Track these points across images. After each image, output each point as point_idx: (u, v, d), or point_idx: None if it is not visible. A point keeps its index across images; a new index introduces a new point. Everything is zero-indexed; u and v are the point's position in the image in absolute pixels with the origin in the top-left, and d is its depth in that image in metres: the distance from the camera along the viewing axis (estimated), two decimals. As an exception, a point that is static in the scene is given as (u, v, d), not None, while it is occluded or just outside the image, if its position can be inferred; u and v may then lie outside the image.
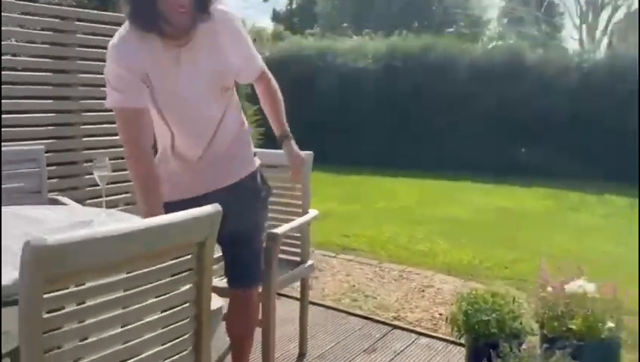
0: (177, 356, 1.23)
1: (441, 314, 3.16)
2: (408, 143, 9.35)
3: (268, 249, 2.06)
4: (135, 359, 1.14)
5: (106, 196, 3.07)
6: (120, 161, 3.66)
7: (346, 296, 3.48)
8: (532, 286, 3.12)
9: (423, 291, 3.60)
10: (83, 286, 1.00)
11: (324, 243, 4.58)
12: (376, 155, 9.28)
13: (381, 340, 2.86)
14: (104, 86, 3.96)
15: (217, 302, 1.70)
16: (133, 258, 1.07)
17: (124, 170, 3.86)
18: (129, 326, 1.13)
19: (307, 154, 2.29)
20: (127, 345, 1.13)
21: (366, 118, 9.55)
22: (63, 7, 3.85)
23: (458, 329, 2.33)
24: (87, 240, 0.96)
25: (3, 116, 3.23)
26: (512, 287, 3.56)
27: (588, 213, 6.39)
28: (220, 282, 2.11)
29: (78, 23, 3.56)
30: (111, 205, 3.52)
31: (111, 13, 3.98)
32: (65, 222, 1.91)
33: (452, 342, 2.76)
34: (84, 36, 3.60)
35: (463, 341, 2.47)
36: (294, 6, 27.92)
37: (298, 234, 2.51)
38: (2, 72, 3.23)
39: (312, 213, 2.49)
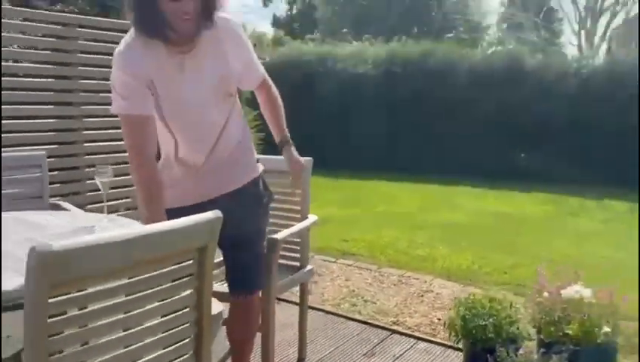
0: (178, 360, 1.25)
1: (439, 319, 3.18)
2: (408, 148, 9.39)
3: (267, 254, 2.08)
4: (136, 363, 1.16)
5: (107, 201, 3.09)
6: (121, 166, 3.69)
7: (346, 301, 3.50)
8: (531, 291, 3.13)
9: (422, 296, 3.62)
10: (87, 291, 1.03)
11: (323, 248, 4.59)
12: (375, 160, 9.30)
13: (380, 345, 2.87)
14: (106, 92, 4.00)
15: (218, 307, 1.72)
16: (135, 263, 1.10)
17: (125, 175, 3.90)
18: (130, 331, 1.15)
19: (307, 160, 2.31)
20: (128, 349, 1.15)
21: (366, 123, 9.58)
22: (64, 14, 3.88)
23: (456, 333, 2.35)
24: (91, 246, 0.98)
25: (5, 122, 3.26)
26: (510, 292, 3.60)
27: (587, 218, 6.41)
28: (221, 287, 2.13)
29: (79, 29, 3.59)
30: (112, 210, 3.54)
31: (112, 20, 4.01)
32: (67, 227, 1.93)
33: (450, 347, 2.77)
34: (85, 42, 3.63)
35: (460, 345, 2.49)
36: (294, 11, 28.01)
37: (298, 240, 2.53)
38: (5, 78, 3.26)
39: (312, 218, 2.52)
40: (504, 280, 3.97)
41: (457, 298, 2.66)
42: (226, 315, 2.02)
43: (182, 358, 1.26)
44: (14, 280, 1.34)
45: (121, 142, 3.98)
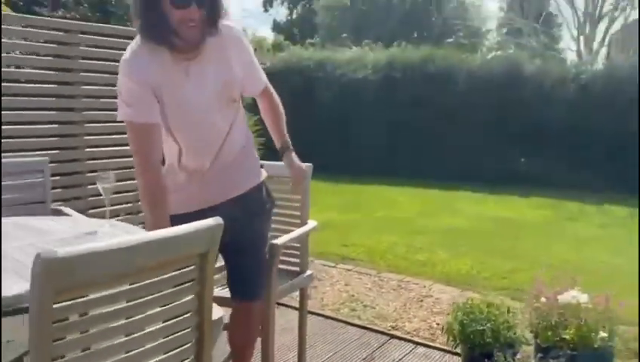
0: (179, 365, 1.27)
1: (438, 324, 3.20)
2: (408, 153, 9.42)
3: (268, 259, 2.10)
4: (138, 367, 1.17)
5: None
6: (121, 171, 3.71)
7: (345, 306, 3.52)
8: (529, 296, 3.15)
9: (421, 301, 3.64)
10: (90, 297, 1.05)
11: (323, 252, 4.61)
12: (375, 165, 9.33)
13: (379, 349, 2.89)
14: (107, 98, 4.04)
15: (218, 312, 1.74)
16: (138, 269, 1.12)
17: (126, 180, 3.93)
18: (132, 336, 1.17)
19: (307, 166, 2.33)
20: (130, 354, 1.17)
21: (366, 128, 9.61)
22: (66, 20, 3.91)
23: (454, 338, 2.37)
24: (96, 252, 1.00)
25: (7, 127, 3.29)
26: (509, 297, 3.61)
27: (586, 223, 6.43)
28: (222, 292, 2.15)
29: (81, 35, 3.63)
30: (112, 215, 3.55)
31: (114, 26, 4.05)
32: (69, 233, 1.96)
33: (449, 352, 2.79)
34: (87, 48, 3.66)
35: (459, 350, 2.51)
36: (294, 16, 28.12)
37: (297, 245, 2.54)
38: (7, 84, 3.29)
39: (311, 223, 2.53)
40: (503, 285, 3.99)
41: (455, 303, 2.68)
42: (226, 320, 2.04)
43: (183, 362, 1.28)
44: (17, 286, 1.36)
45: (123, 148, 4.04)
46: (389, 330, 3.13)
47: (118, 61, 4.09)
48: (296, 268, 2.56)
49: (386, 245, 5.05)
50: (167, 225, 1.62)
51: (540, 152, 8.76)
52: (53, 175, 2.95)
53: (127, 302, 1.14)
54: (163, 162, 1.90)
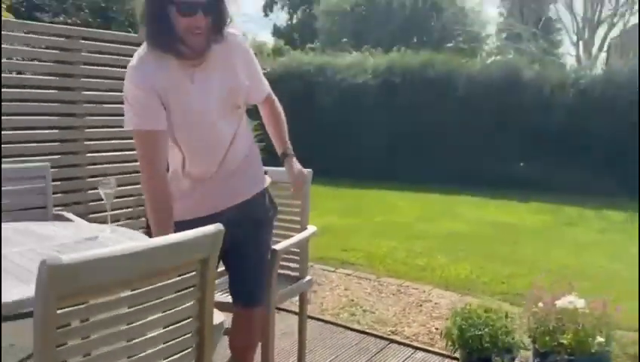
0: (180, 369, 1.29)
1: (437, 329, 3.21)
2: (408, 157, 9.44)
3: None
4: (140, 372, 1.19)
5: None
6: (122, 176, 3.74)
7: (345, 311, 3.53)
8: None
9: (421, 306, 3.65)
10: (94, 302, 1.07)
11: (323, 257, 4.63)
12: (376, 169, 9.36)
13: (378, 354, 2.90)
14: (108, 103, 4.06)
15: (219, 317, 1.75)
16: (141, 275, 1.14)
17: (126, 185, 3.95)
18: (134, 341, 1.19)
19: (307, 172, 2.35)
20: (132, 359, 1.18)
21: (366, 133, 9.64)
22: (68, 27, 3.94)
23: (452, 343, 2.39)
24: (100, 259, 1.02)
25: (9, 133, 3.31)
26: (507, 302, 3.63)
27: (586, 228, 6.44)
28: (222, 297, 2.16)
29: (82, 41, 3.65)
30: (113, 219, 3.58)
31: (115, 32, 4.08)
32: (70, 238, 1.97)
33: (447, 356, 2.80)
34: (88, 54, 3.69)
35: (457, 355, 2.52)
36: (295, 21, 28.20)
37: (297, 250, 2.56)
38: (9, 90, 3.31)
39: (311, 229, 2.55)
40: (502, 290, 4.00)
41: (454, 308, 2.69)
42: (227, 325, 2.05)
43: (184, 367, 1.30)
44: (18, 290, 1.38)
45: (123, 153, 4.06)
46: (389, 335, 3.14)
47: (119, 67, 4.14)
48: (296, 273, 2.58)
49: (385, 250, 5.07)
50: (172, 231, 1.64)
51: (540, 157, 8.78)
52: (53, 180, 2.97)
53: (129, 307, 1.16)
54: (167, 169, 1.91)
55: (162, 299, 1.21)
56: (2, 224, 2.05)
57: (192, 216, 1.81)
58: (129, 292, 1.14)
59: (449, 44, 17.62)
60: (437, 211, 7.20)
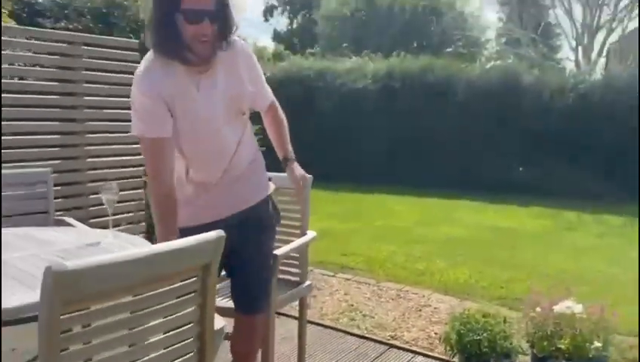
0: (181, 374, 1.30)
1: (436, 334, 3.22)
2: (408, 162, 9.47)
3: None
4: (142, 376, 1.21)
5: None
6: (122, 181, 3.76)
7: (344, 315, 3.54)
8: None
9: (420, 310, 3.66)
10: (97, 308, 1.08)
11: (323, 261, 4.64)
12: (376, 174, 9.38)
13: (378, 359, 2.91)
14: (109, 108, 4.08)
15: (220, 322, 1.77)
16: (144, 281, 1.16)
17: (127, 190, 3.96)
18: (136, 346, 1.21)
19: (308, 177, 2.36)
20: (134, 363, 1.20)
21: (366, 137, 9.67)
22: (70, 32, 3.97)
23: (451, 348, 2.40)
24: (103, 265, 1.04)
25: (10, 138, 3.33)
26: (506, 307, 3.64)
27: (585, 233, 6.46)
28: (222, 302, 2.18)
29: (84, 47, 3.68)
30: (113, 224, 3.60)
31: (116, 38, 4.10)
32: (72, 243, 1.99)
33: (446, 361, 2.81)
34: (90, 60, 3.71)
35: (456, 360, 2.54)
36: (295, 26, 28.27)
37: (297, 255, 2.58)
38: (11, 95, 3.33)
39: (311, 234, 2.57)
40: (501, 295, 4.01)
41: (453, 312, 2.71)
42: (227, 330, 2.07)
43: (185, 372, 1.31)
44: (19, 295, 1.40)
45: (123, 158, 4.07)
46: (388, 340, 3.16)
47: (120, 72, 4.15)
48: (296, 278, 2.60)
49: (385, 254, 5.08)
50: (176, 237, 1.65)
51: (539, 161, 8.81)
52: (54, 185, 2.99)
53: (132, 312, 1.17)
54: None
55: (164, 305, 1.23)
56: (2, 229, 2.06)
57: (197, 223, 1.82)
58: (131, 298, 1.16)
59: (449, 49, 17.67)
60: (436, 216, 7.22)
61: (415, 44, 17.47)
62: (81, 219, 3.06)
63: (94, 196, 3.65)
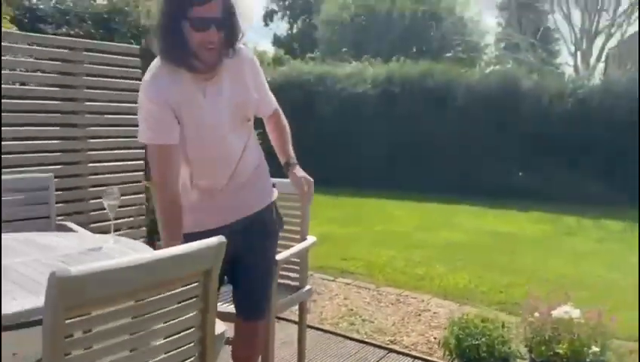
0: (183, 378, 1.32)
1: (435, 338, 3.22)
2: (407, 167, 9.49)
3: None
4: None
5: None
6: (123, 186, 3.77)
7: (344, 320, 3.55)
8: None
9: (420, 315, 3.67)
10: (101, 313, 1.10)
11: (323, 266, 4.65)
12: (376, 178, 9.40)
13: (377, 363, 2.92)
14: (110, 114, 4.09)
15: (221, 327, 1.78)
16: (146, 286, 1.17)
17: (128, 195, 3.98)
18: (138, 350, 1.22)
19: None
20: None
21: (366, 142, 9.70)
22: (71, 38, 3.99)
23: (450, 353, 2.41)
24: (107, 270, 1.06)
25: (12, 143, 3.35)
26: (505, 312, 3.65)
27: (584, 238, 6.47)
28: (224, 307, 2.19)
29: (85, 53, 3.70)
30: (114, 228, 3.62)
31: (117, 44, 4.12)
32: (74, 248, 2.01)
33: (446, 366, 2.82)
34: (91, 65, 3.73)
35: (455, 364, 2.55)
36: (295, 31, 28.34)
37: (297, 260, 2.59)
38: (12, 101, 3.35)
39: (311, 239, 2.59)
40: (500, 299, 4.02)
41: (452, 317, 2.72)
42: (228, 334, 2.08)
43: (186, 376, 1.33)
44: (20, 300, 1.42)
45: (124, 163, 4.08)
46: (388, 344, 3.16)
47: (121, 78, 4.17)
48: (296, 283, 2.61)
49: (384, 259, 5.10)
50: (181, 242, 1.65)
51: (539, 166, 8.84)
52: (55, 190, 3.01)
53: (134, 317, 1.19)
54: None
55: (166, 310, 1.24)
56: (3, 235, 2.08)
57: (202, 229, 1.83)
58: (134, 303, 1.17)
59: (448, 54, 17.73)
60: (436, 220, 7.23)
61: (414, 49, 17.52)
62: (82, 223, 3.08)
63: (95, 201, 3.67)
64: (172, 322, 1.27)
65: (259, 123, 2.13)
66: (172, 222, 1.77)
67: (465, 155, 9.22)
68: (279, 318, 3.10)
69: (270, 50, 23.15)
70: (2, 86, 3.28)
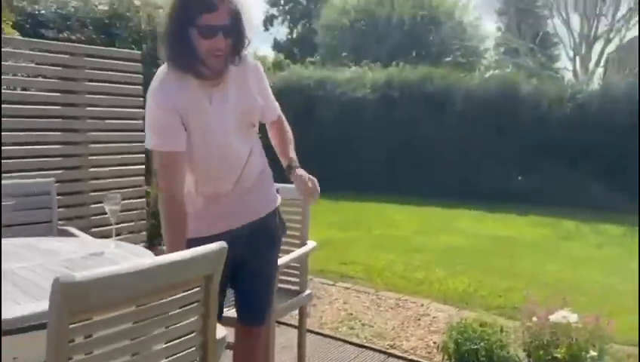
0: (184, 382, 1.33)
1: (435, 343, 3.24)
2: (406, 171, 9.51)
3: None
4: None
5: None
6: (124, 190, 3.80)
7: (344, 324, 3.56)
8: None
9: (419, 319, 3.69)
10: (103, 318, 1.12)
11: (322, 270, 4.67)
12: (376, 183, 9.40)
13: (377, 368, 2.94)
14: (111, 119, 4.12)
15: (221, 331, 1.80)
16: (148, 292, 1.19)
17: (129, 199, 3.99)
18: (139, 355, 1.24)
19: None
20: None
21: (365, 146, 9.72)
22: (72, 44, 4.02)
23: (449, 357, 2.43)
24: (110, 276, 1.07)
25: (13, 148, 3.37)
26: (504, 316, 3.66)
27: (583, 242, 6.49)
28: (224, 312, 2.20)
29: (86, 58, 3.73)
30: (115, 233, 3.63)
31: (119, 49, 4.15)
32: (76, 253, 2.02)
33: (445, 370, 2.83)
34: (92, 71, 3.76)
35: (454, 369, 2.56)
36: (295, 35, 28.41)
37: (297, 265, 2.61)
38: (14, 106, 3.37)
39: (311, 244, 2.60)
40: (499, 304, 4.03)
41: (450, 322, 2.73)
42: (229, 339, 2.09)
43: (187, 380, 1.34)
44: (27, 305, 1.43)
45: (125, 167, 4.11)
46: (387, 349, 3.18)
47: (122, 83, 4.19)
48: (296, 287, 2.63)
49: (384, 263, 5.11)
50: (184, 248, 1.66)
51: (538, 171, 8.86)
52: (57, 194, 3.02)
53: (136, 322, 1.21)
54: None
55: (167, 315, 1.26)
56: (3, 240, 2.09)
57: (207, 234, 1.82)
58: (136, 308, 1.19)
59: (447, 59, 17.75)
60: (435, 225, 7.24)
61: (414, 54, 17.54)
62: (83, 228, 3.09)
63: (96, 205, 3.69)
64: (173, 327, 1.28)
65: (260, 128, 2.15)
66: (176, 228, 1.78)
67: (464, 160, 9.24)
68: (279, 323, 3.11)
69: (270, 54, 23.15)
70: (3, 91, 3.30)
